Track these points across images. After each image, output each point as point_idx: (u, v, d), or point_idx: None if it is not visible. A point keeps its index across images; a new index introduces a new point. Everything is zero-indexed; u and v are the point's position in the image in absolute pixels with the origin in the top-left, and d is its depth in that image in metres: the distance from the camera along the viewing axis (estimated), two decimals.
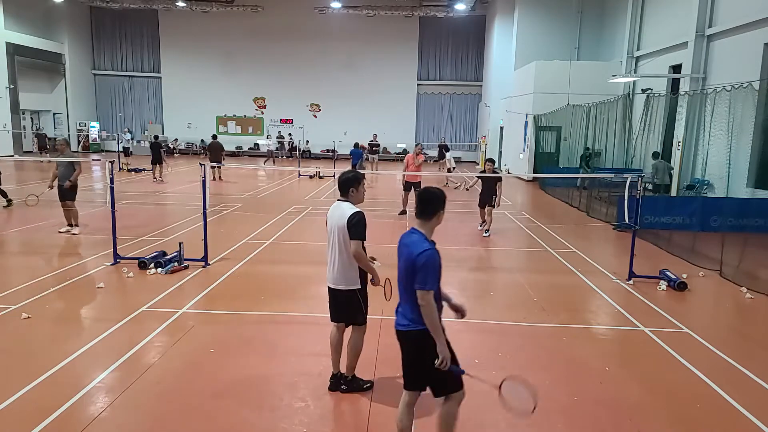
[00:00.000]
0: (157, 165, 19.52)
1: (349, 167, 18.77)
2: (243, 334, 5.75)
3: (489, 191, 11.12)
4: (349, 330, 4.58)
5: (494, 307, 6.93)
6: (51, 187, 10.41)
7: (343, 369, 4.60)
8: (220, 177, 19.99)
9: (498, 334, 5.97)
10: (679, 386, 4.82)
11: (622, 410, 4.38)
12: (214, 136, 21.58)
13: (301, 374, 4.81)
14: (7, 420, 4.01)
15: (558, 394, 4.59)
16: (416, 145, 13.71)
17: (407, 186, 13.31)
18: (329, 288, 4.49)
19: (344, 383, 4.54)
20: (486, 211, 11.30)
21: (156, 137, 22.25)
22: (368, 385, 4.60)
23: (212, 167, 19.06)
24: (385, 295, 4.38)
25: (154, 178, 19.56)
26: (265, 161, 28.36)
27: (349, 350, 4.53)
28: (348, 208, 4.30)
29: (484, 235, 11.22)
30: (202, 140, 34.45)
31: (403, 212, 13.34)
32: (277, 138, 32.80)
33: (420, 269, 3.27)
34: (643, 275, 7.99)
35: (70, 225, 10.40)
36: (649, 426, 4.17)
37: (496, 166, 11.84)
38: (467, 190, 13.21)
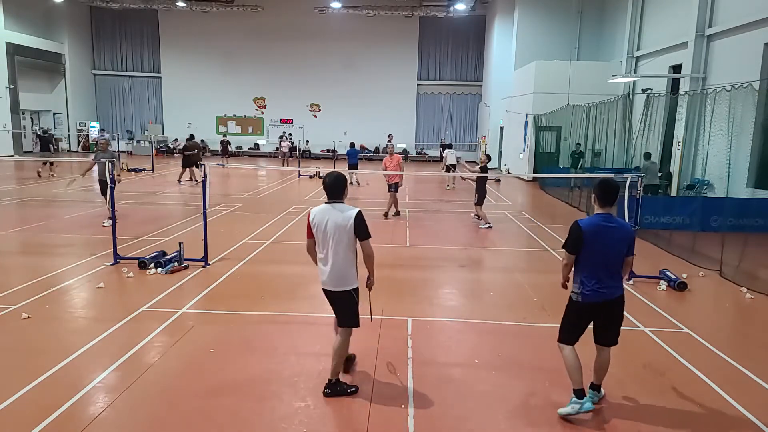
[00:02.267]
0: (188, 168, 19.00)
1: (347, 168, 18.87)
2: (243, 334, 5.75)
3: (480, 189, 12.01)
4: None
5: (494, 307, 6.93)
6: (83, 175, 12.32)
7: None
8: (196, 179, 18.97)
9: (498, 334, 5.97)
10: (679, 386, 4.82)
11: (622, 410, 4.38)
12: (191, 137, 20.86)
13: (301, 374, 4.81)
14: (7, 420, 4.01)
15: (558, 394, 4.60)
16: (388, 145, 13.72)
17: (388, 187, 13.10)
18: (327, 291, 4.47)
19: (328, 386, 4.48)
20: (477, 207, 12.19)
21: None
22: (353, 389, 4.52)
23: (189, 168, 18.99)
24: (371, 314, 4.66)
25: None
26: (283, 160, 28.13)
27: (334, 352, 4.48)
28: (349, 209, 4.33)
29: (482, 227, 11.79)
30: (202, 140, 34.38)
31: (397, 213, 13.13)
32: (288, 139, 32.27)
33: (633, 240, 4.29)
34: (643, 275, 7.99)
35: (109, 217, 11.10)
36: (649, 426, 4.17)
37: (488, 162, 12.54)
38: (464, 179, 13.50)
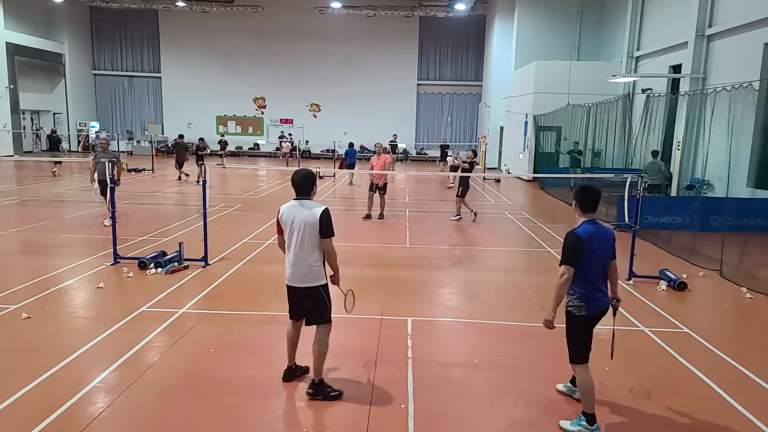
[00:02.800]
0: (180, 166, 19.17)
1: (345, 167, 19.08)
2: (243, 334, 5.76)
3: (464, 183, 12.58)
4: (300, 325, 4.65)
5: (494, 307, 6.92)
6: (93, 180, 11.31)
7: (299, 362, 4.68)
8: (181, 176, 19.34)
9: (498, 334, 5.97)
10: (679, 386, 4.82)
11: (622, 410, 4.38)
12: (181, 136, 21.01)
13: (300, 374, 4.80)
14: (7, 420, 4.01)
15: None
16: (376, 145, 13.27)
17: (372, 186, 12.58)
18: (293, 287, 4.43)
19: (311, 388, 4.43)
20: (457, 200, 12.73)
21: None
22: (336, 393, 4.43)
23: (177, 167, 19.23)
24: (345, 306, 4.60)
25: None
26: (286, 161, 28.15)
27: (315, 352, 4.44)
28: (315, 206, 4.33)
29: (452, 218, 12.54)
30: (201, 138, 34.33)
31: (368, 216, 12.53)
32: (288, 139, 32.09)
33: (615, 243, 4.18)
34: (643, 275, 7.99)
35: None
36: (650, 426, 4.17)
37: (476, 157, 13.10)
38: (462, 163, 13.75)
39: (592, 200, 4.07)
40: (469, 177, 12.72)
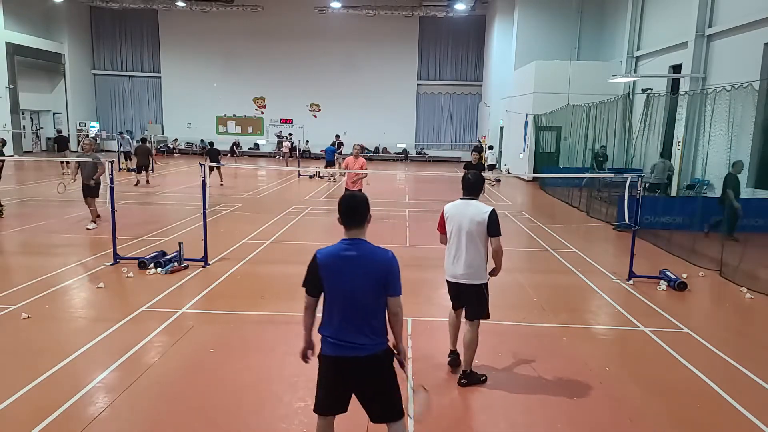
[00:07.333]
0: (144, 169, 18.49)
1: (324, 165, 20.12)
2: (243, 334, 5.76)
3: None
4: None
5: (494, 307, 6.88)
6: (74, 180, 11.30)
7: (457, 348, 5.06)
8: (147, 181, 18.75)
9: (498, 334, 5.97)
10: (679, 386, 4.82)
11: (622, 410, 4.38)
12: (143, 140, 20.33)
13: (301, 374, 4.80)
14: (7, 420, 4.01)
15: (558, 394, 4.60)
16: (354, 145, 12.14)
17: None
18: (454, 283, 4.88)
19: (464, 377, 4.76)
20: None
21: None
22: (483, 378, 4.82)
23: (140, 170, 18.48)
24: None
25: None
26: (285, 160, 28.10)
27: (465, 345, 4.80)
28: (482, 206, 4.67)
29: None
30: (202, 140, 34.45)
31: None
32: (288, 138, 31.62)
33: (392, 276, 3.61)
34: (643, 275, 7.99)
35: (93, 221, 10.91)
36: (649, 426, 4.17)
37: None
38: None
39: (354, 212, 3.19)
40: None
